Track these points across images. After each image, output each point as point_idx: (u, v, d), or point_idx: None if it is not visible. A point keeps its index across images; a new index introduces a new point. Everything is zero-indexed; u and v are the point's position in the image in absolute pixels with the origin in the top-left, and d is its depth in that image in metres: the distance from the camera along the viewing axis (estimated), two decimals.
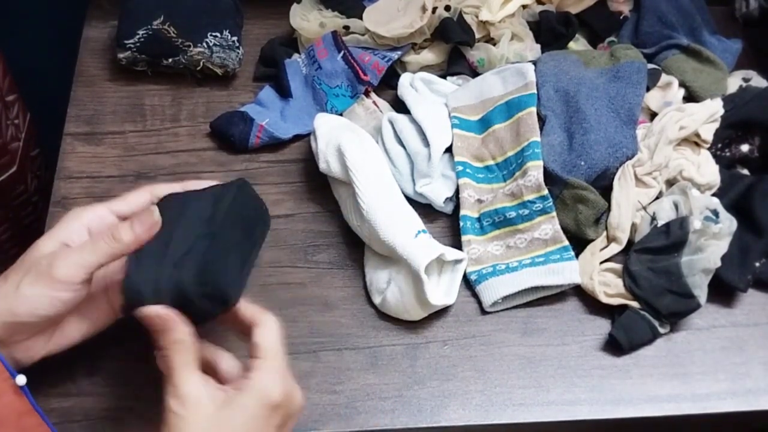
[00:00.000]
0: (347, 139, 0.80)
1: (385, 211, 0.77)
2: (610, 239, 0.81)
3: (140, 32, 0.90)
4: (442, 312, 0.78)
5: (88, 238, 0.63)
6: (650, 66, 0.90)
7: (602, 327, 0.78)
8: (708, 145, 0.85)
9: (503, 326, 0.78)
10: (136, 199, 0.67)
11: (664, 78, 0.90)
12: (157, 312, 0.59)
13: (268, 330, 0.61)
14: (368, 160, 0.80)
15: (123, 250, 0.61)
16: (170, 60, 0.92)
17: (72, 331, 0.65)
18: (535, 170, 0.80)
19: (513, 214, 0.80)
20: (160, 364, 0.60)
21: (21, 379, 0.59)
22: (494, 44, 0.93)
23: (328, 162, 0.81)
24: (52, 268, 0.59)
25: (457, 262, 0.78)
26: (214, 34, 0.91)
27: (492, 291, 0.78)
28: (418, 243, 0.75)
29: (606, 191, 0.82)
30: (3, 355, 0.58)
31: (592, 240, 0.80)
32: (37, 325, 0.61)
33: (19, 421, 0.58)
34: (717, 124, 0.86)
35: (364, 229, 0.78)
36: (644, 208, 0.81)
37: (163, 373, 0.59)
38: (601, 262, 0.80)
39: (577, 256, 0.79)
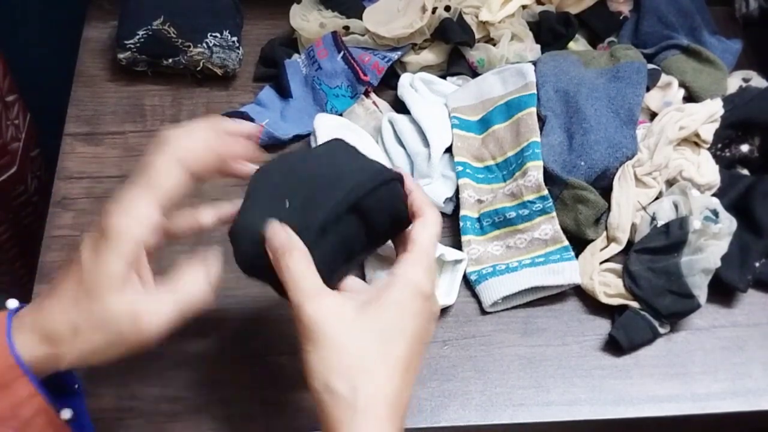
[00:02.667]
0: (347, 139, 0.80)
1: None
2: (610, 239, 0.81)
3: (140, 32, 0.90)
4: (442, 312, 0.78)
5: (171, 287, 0.55)
6: (650, 66, 0.90)
7: (602, 327, 0.78)
8: (708, 145, 0.85)
9: (503, 326, 0.78)
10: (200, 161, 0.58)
11: (664, 78, 0.90)
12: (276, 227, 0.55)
13: (427, 226, 0.58)
14: None
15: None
16: (170, 60, 0.92)
17: None
18: (535, 170, 0.80)
19: (513, 214, 0.80)
20: (284, 276, 0.54)
21: (66, 413, 0.55)
22: (494, 44, 0.94)
23: None
24: (139, 331, 0.52)
25: (457, 262, 0.78)
26: (214, 34, 0.91)
27: (492, 291, 0.78)
28: None
29: (606, 191, 0.82)
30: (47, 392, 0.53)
31: (592, 240, 0.80)
32: None
33: None
34: (717, 124, 0.86)
35: None
36: (644, 208, 0.81)
37: (288, 284, 0.54)
38: (601, 262, 0.80)
39: (577, 256, 0.79)
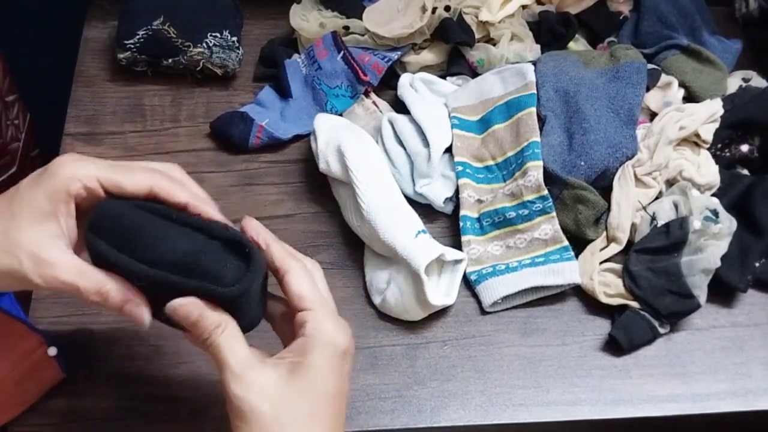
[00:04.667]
0: (347, 139, 0.80)
1: (385, 211, 0.77)
2: (610, 239, 0.81)
3: (140, 32, 0.90)
4: (441, 312, 0.78)
5: (83, 266, 0.55)
6: (650, 66, 0.90)
7: (602, 327, 0.78)
8: (708, 145, 0.85)
9: (503, 326, 0.78)
10: (134, 185, 0.57)
11: (664, 78, 0.90)
12: (184, 301, 0.54)
13: (299, 276, 0.57)
14: (368, 160, 0.80)
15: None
16: (170, 60, 0.92)
17: None
18: (534, 170, 0.80)
19: (513, 214, 0.80)
20: (210, 351, 0.54)
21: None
22: (494, 44, 0.93)
23: (328, 162, 0.81)
24: (44, 278, 0.54)
25: (457, 262, 0.78)
26: (214, 34, 0.91)
27: (492, 291, 0.78)
28: (418, 243, 0.75)
29: (606, 191, 0.82)
30: None
31: (592, 240, 0.80)
32: None
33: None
34: (717, 124, 0.86)
35: (364, 230, 0.78)
36: (644, 208, 0.81)
37: (215, 360, 0.54)
38: (601, 262, 0.80)
39: (577, 256, 0.79)
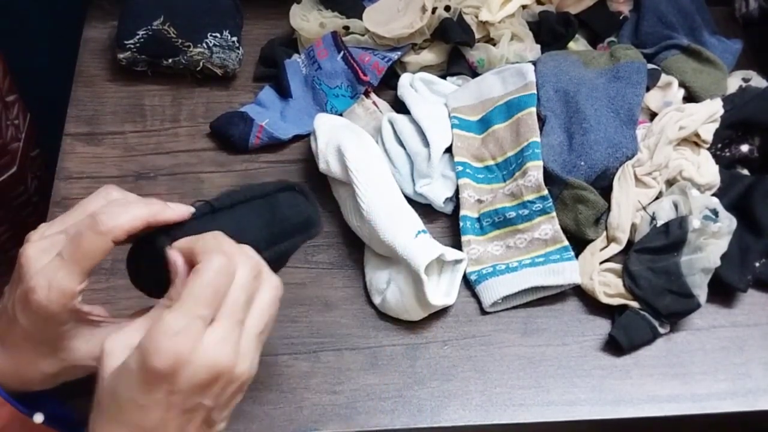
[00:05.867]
0: (347, 139, 0.80)
1: (385, 211, 0.77)
2: (610, 239, 0.81)
3: (140, 32, 0.90)
4: (442, 312, 0.78)
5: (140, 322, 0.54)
6: (650, 66, 0.90)
7: (602, 327, 0.78)
8: (708, 145, 0.85)
9: (503, 326, 0.78)
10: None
11: (664, 78, 0.90)
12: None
13: (200, 271, 0.50)
14: (368, 160, 0.80)
15: None
16: (170, 60, 0.92)
17: None
18: (534, 170, 0.80)
19: (513, 214, 0.80)
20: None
21: (38, 417, 0.58)
22: (494, 44, 0.93)
23: (327, 162, 0.81)
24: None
25: (457, 262, 0.78)
26: (214, 34, 0.91)
27: (492, 291, 0.78)
28: (418, 243, 0.75)
29: (606, 191, 0.82)
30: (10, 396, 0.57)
31: (592, 240, 0.80)
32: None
33: None
34: (717, 124, 0.86)
35: (364, 230, 0.78)
36: (644, 208, 0.81)
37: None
38: (601, 262, 0.80)
39: (577, 256, 0.79)
